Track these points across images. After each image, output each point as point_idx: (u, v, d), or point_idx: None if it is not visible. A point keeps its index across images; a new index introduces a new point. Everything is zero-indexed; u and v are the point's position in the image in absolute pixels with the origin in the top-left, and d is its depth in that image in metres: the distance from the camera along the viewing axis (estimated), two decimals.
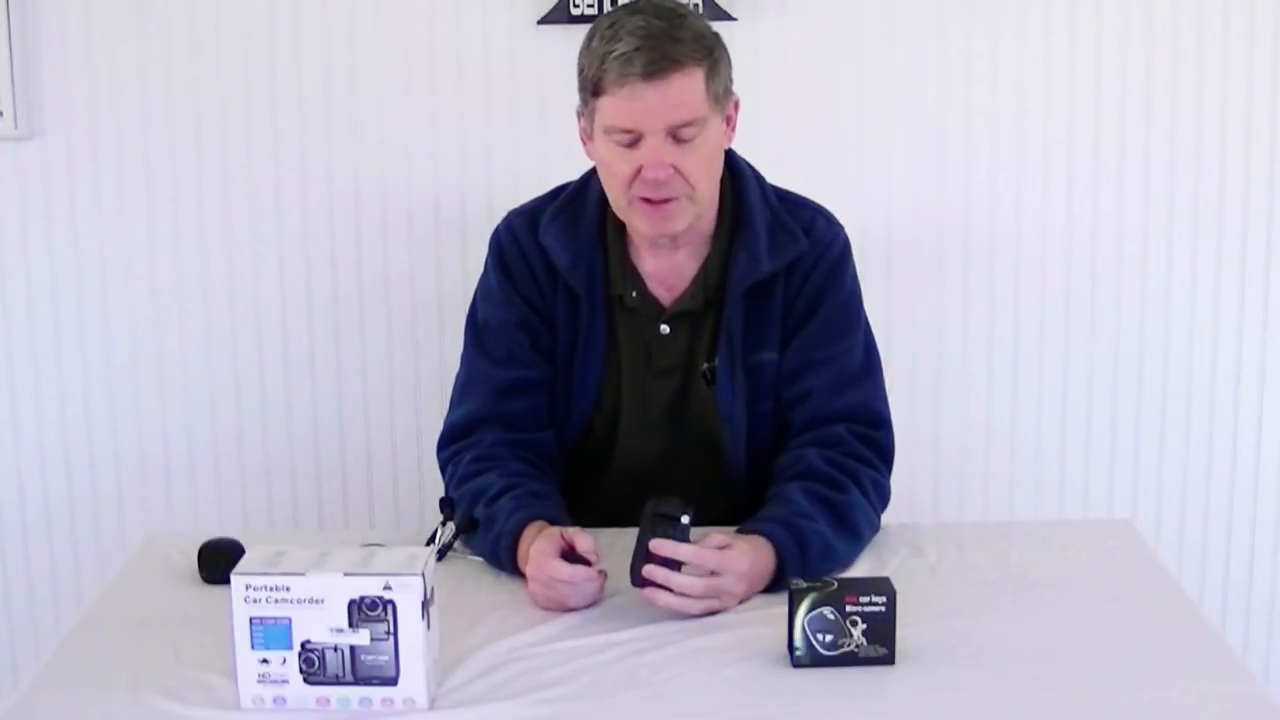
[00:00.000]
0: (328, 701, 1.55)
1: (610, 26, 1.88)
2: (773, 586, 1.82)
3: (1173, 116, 2.67)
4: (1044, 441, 2.80)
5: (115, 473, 2.81)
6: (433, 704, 1.56)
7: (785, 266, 2.01)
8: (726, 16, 2.60)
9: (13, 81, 2.62)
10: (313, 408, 2.79)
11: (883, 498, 2.02)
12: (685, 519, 1.73)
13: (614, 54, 1.85)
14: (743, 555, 1.78)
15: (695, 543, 1.75)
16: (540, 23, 2.61)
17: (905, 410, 2.61)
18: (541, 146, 2.59)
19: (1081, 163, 2.70)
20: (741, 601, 1.79)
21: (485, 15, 2.63)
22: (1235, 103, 2.66)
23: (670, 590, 1.73)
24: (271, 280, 2.74)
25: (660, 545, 1.73)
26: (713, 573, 1.75)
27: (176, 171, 2.70)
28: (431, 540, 1.93)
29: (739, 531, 1.87)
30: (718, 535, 1.80)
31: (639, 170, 1.89)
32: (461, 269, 2.61)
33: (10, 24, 2.61)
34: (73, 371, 2.77)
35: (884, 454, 2.04)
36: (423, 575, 1.53)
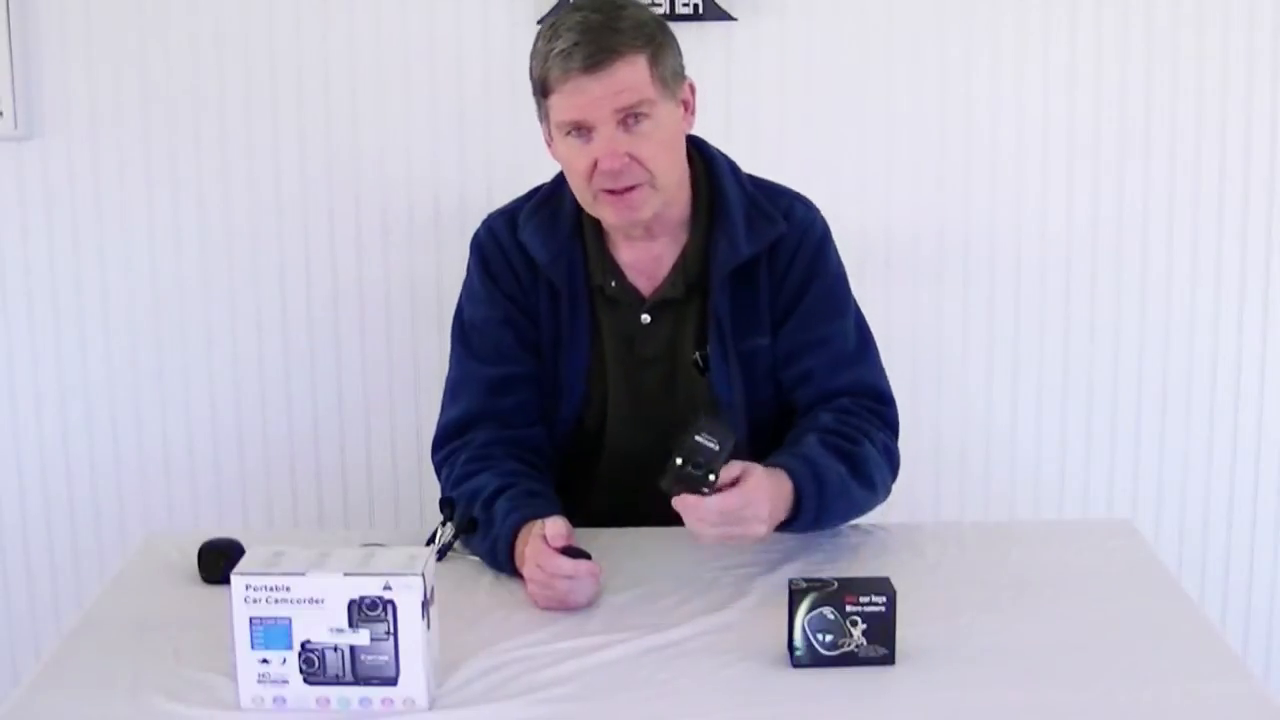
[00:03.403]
0: (328, 701, 1.55)
1: (551, 26, 1.92)
2: (791, 523, 1.83)
3: (1172, 117, 2.67)
4: (1044, 441, 2.80)
5: (115, 473, 2.81)
6: (433, 704, 1.56)
7: (767, 251, 2.03)
8: (726, 16, 2.60)
9: (13, 81, 2.62)
10: (313, 408, 2.79)
11: (893, 463, 2.03)
12: (711, 480, 1.69)
13: (555, 51, 1.88)
14: (760, 485, 1.75)
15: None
16: (540, 21, 2.61)
17: (905, 410, 2.61)
18: (541, 146, 2.57)
19: (1081, 163, 2.70)
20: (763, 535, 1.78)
21: (485, 14, 2.63)
22: (1235, 103, 2.67)
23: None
24: (271, 280, 2.74)
25: (682, 503, 1.72)
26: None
27: (176, 171, 2.70)
28: (431, 540, 1.93)
29: None
30: (734, 464, 1.75)
31: (596, 163, 1.91)
32: (461, 269, 2.57)
33: (10, 24, 2.61)
34: (73, 371, 2.78)
35: (891, 426, 2.05)
36: (423, 575, 1.53)
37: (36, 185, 2.71)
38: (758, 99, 2.66)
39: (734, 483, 1.74)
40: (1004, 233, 2.72)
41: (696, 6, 2.59)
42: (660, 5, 2.57)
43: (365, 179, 2.71)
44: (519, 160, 2.63)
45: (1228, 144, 2.68)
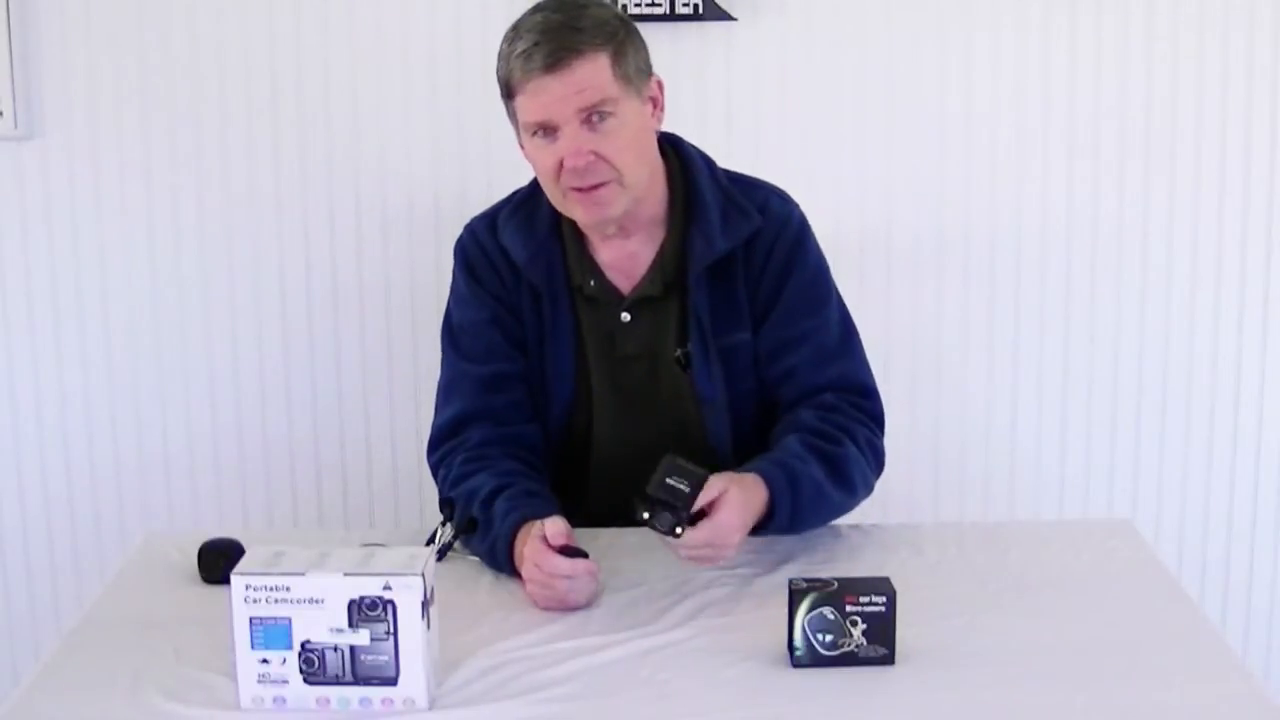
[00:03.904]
0: (328, 701, 1.55)
1: (513, 28, 1.94)
2: (763, 526, 1.86)
3: (1173, 115, 2.67)
4: (1044, 441, 2.80)
5: (115, 473, 2.81)
6: (433, 704, 1.56)
7: (744, 245, 2.03)
8: (727, 16, 2.60)
9: (13, 81, 2.62)
10: (312, 408, 2.79)
11: (878, 458, 2.04)
12: (679, 528, 1.74)
13: (516, 53, 1.90)
14: (733, 509, 1.79)
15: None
16: None
17: (905, 410, 2.62)
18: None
19: (1081, 163, 2.70)
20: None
21: (485, 14, 2.63)
22: (1235, 102, 2.67)
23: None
24: (271, 280, 2.74)
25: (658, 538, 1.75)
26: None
27: (176, 171, 2.70)
28: (431, 540, 1.93)
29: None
30: (716, 481, 1.78)
31: (562, 162, 1.92)
32: None
33: (10, 24, 2.61)
34: (73, 371, 2.77)
35: (876, 420, 2.06)
36: (423, 575, 1.53)
37: (36, 185, 2.71)
38: (758, 99, 2.66)
39: (712, 502, 1.77)
40: (1004, 233, 2.72)
41: (696, 6, 2.59)
42: (660, 5, 2.57)
43: (365, 179, 2.71)
44: (519, 160, 2.63)
45: (1228, 144, 2.68)
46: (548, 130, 1.92)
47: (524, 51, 1.89)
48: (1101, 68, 2.66)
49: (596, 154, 1.91)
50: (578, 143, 1.90)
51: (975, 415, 2.79)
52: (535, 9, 1.94)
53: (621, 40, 1.93)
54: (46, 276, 2.74)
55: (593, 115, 1.90)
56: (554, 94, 1.89)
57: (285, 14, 2.64)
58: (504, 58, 1.93)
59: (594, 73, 1.89)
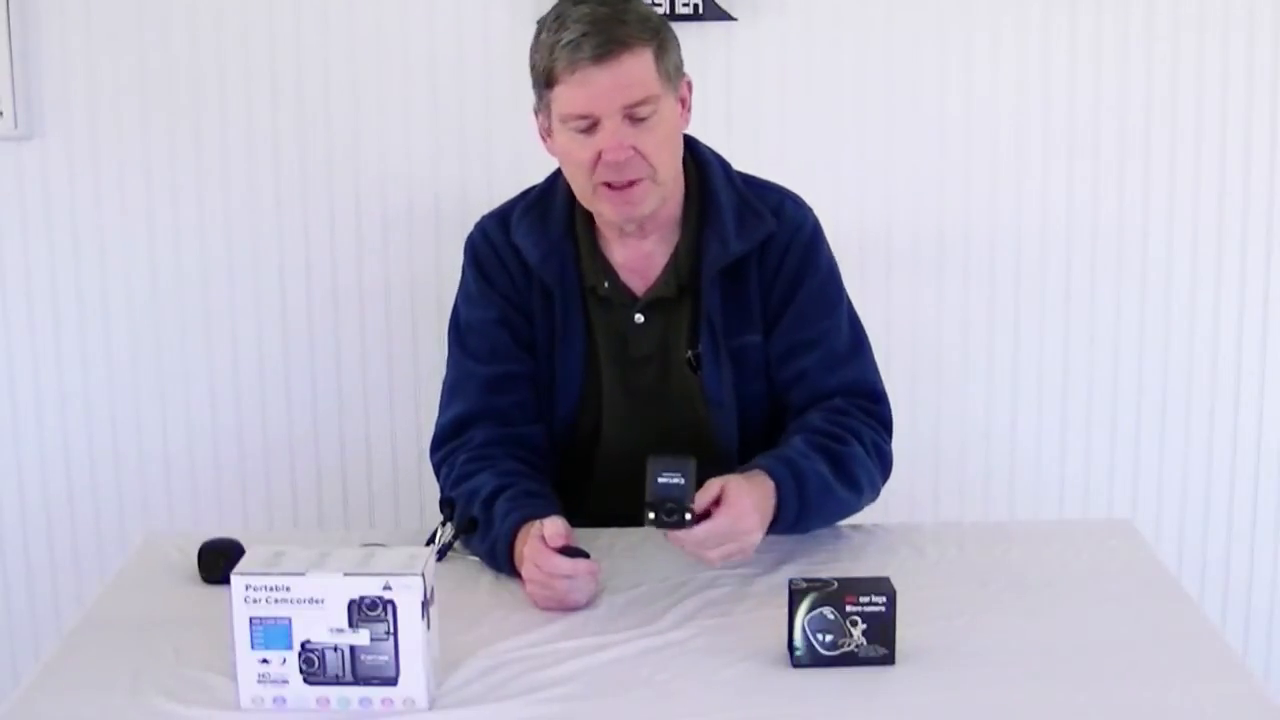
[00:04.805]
0: (328, 701, 1.55)
1: (556, 18, 1.92)
2: (772, 525, 1.84)
3: (1173, 115, 2.67)
4: (1044, 441, 2.80)
5: (115, 473, 2.81)
6: (433, 704, 1.56)
7: (758, 249, 2.03)
8: (727, 16, 2.60)
9: (13, 81, 2.62)
10: (312, 408, 2.79)
11: (884, 462, 2.03)
12: (688, 513, 1.72)
13: (562, 42, 1.88)
14: (741, 494, 1.78)
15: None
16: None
17: (905, 410, 2.61)
18: (542, 145, 2.59)
19: (1082, 163, 2.70)
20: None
21: (485, 13, 2.63)
22: (1235, 102, 2.67)
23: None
24: (271, 279, 2.74)
25: (676, 540, 1.75)
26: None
27: (176, 171, 2.70)
28: (431, 540, 1.93)
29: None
30: (712, 483, 1.78)
31: (599, 156, 1.91)
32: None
33: (10, 24, 2.61)
34: (73, 371, 2.77)
35: (885, 424, 2.06)
36: (423, 575, 1.53)
37: (36, 185, 2.71)
38: (758, 99, 2.66)
39: (716, 502, 1.77)
40: (1004, 233, 2.72)
41: (696, 6, 2.59)
42: (660, 5, 2.57)
43: (365, 179, 2.71)
44: (520, 159, 2.64)
45: (1228, 144, 2.68)
46: (588, 123, 1.91)
47: (571, 41, 1.87)
48: (1101, 68, 2.66)
49: (635, 149, 1.91)
50: (618, 137, 1.90)
51: (975, 415, 2.79)
52: (576, 1, 1.92)
53: (664, 37, 1.94)
54: (46, 276, 2.74)
55: (635, 111, 1.89)
56: (600, 86, 1.88)
57: (285, 14, 2.64)
58: (546, 47, 1.91)
59: (639, 67, 1.89)
